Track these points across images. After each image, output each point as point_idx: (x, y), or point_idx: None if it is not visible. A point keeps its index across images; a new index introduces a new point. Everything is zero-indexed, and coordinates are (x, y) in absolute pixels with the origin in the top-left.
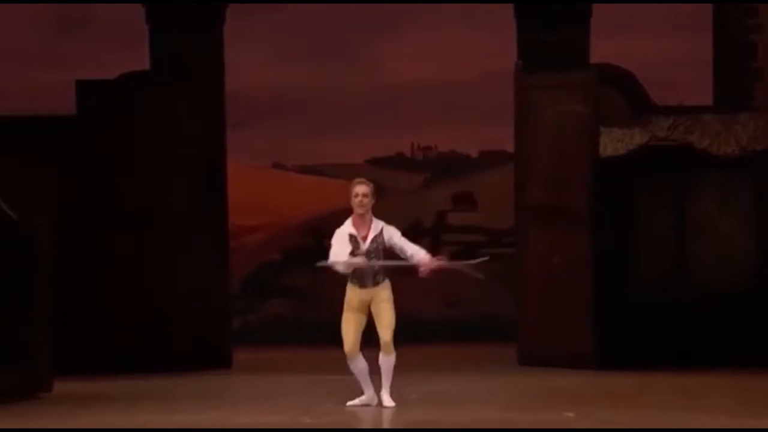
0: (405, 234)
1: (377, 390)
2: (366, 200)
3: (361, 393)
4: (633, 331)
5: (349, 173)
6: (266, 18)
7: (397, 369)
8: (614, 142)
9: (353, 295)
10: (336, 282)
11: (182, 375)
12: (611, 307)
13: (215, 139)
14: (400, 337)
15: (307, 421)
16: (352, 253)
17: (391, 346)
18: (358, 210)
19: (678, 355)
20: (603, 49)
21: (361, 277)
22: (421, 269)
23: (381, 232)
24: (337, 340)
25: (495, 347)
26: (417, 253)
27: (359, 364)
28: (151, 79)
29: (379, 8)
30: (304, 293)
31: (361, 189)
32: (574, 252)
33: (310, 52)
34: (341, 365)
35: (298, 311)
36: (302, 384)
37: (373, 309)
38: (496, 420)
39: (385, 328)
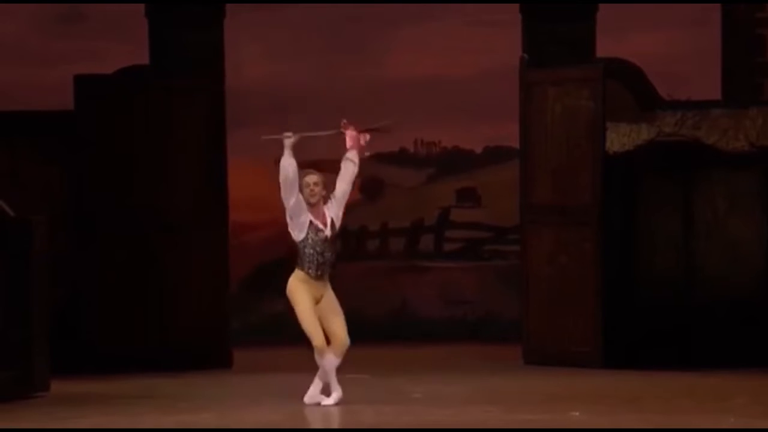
0: (408, 230)
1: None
2: (317, 189)
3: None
4: (639, 330)
5: None
6: (266, 13)
7: (400, 368)
8: (621, 138)
9: (307, 284)
10: (337, 281)
11: (182, 375)
12: (617, 305)
13: (216, 136)
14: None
15: (308, 421)
16: (314, 238)
17: (342, 355)
18: (310, 200)
19: (685, 355)
20: (609, 44)
21: (322, 265)
22: (349, 145)
23: (331, 216)
24: None
25: (500, 346)
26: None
27: (331, 359)
28: (150, 74)
29: (381, 3)
30: None
31: (312, 178)
32: (580, 249)
33: (312, 47)
34: (342, 365)
35: None
36: (303, 384)
37: (323, 304)
38: (500, 420)
39: (343, 328)
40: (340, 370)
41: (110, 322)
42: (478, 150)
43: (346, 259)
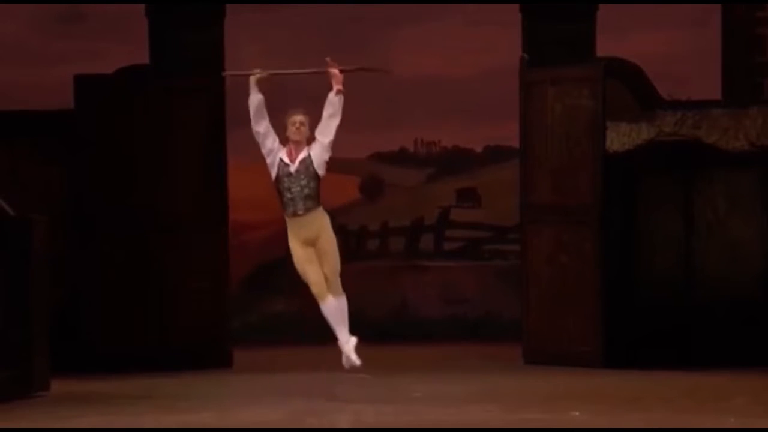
0: (408, 229)
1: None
2: (303, 128)
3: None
4: (640, 330)
5: (351, 169)
6: (267, 13)
7: (401, 367)
8: (621, 137)
9: (294, 229)
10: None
11: (182, 374)
12: (617, 304)
13: (216, 136)
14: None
15: (309, 421)
16: (281, 174)
17: (339, 286)
18: (294, 137)
19: (685, 355)
20: (609, 44)
21: (292, 201)
22: (335, 85)
23: (309, 153)
24: (336, 338)
25: (500, 346)
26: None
27: (332, 303)
28: (150, 74)
29: (381, 3)
30: (305, 291)
31: (297, 117)
32: (580, 249)
33: (312, 47)
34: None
35: (299, 309)
36: (304, 383)
37: (317, 246)
38: (500, 419)
39: (333, 276)
40: (342, 368)
41: (110, 322)
42: (478, 149)
43: (346, 258)
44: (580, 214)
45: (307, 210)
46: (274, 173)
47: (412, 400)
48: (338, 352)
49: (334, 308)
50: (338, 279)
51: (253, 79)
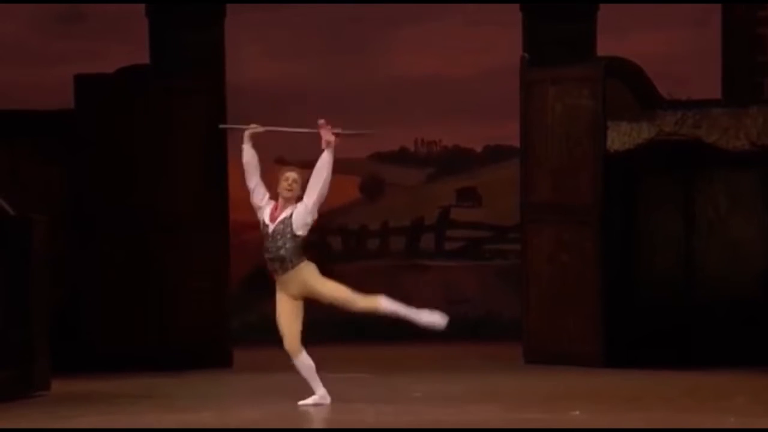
0: (409, 229)
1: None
2: (296, 186)
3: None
4: (640, 330)
5: (351, 168)
6: (267, 13)
7: (401, 367)
8: (621, 137)
9: (278, 284)
10: (337, 280)
11: (182, 374)
12: (618, 304)
13: (216, 136)
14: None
15: (309, 421)
16: (263, 233)
17: (365, 297)
18: (284, 194)
19: (685, 355)
20: (610, 43)
21: (271, 261)
22: (324, 140)
23: (292, 213)
24: (338, 338)
25: (500, 345)
26: (318, 166)
27: (305, 361)
28: (150, 73)
29: (381, 3)
30: None
31: (290, 174)
32: (580, 248)
33: (313, 47)
34: (343, 364)
35: None
36: (303, 383)
37: (312, 296)
38: (500, 419)
39: (346, 298)
40: (343, 369)
41: (110, 322)
42: (479, 149)
43: (347, 258)
44: (581, 213)
45: (284, 271)
46: (261, 229)
47: (413, 399)
48: (335, 354)
49: (307, 366)
50: (357, 294)
51: (247, 133)
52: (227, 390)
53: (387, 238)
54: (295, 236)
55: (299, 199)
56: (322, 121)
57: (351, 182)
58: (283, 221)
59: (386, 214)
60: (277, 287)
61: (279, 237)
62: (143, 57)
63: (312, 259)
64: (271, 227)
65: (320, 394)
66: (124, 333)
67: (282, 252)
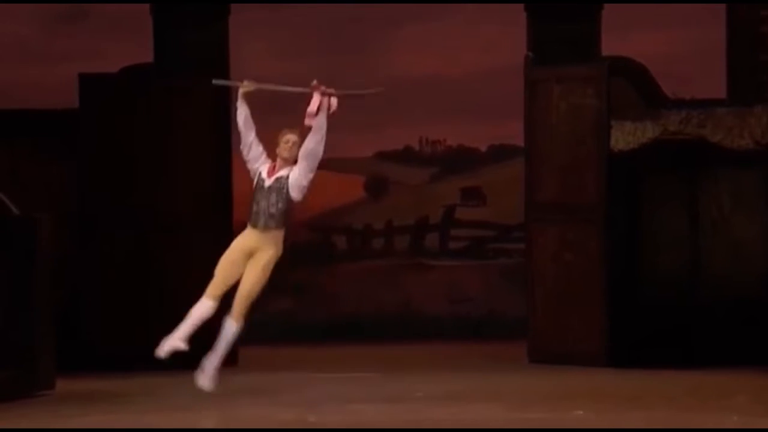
0: (413, 228)
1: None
2: (295, 148)
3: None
4: (644, 329)
5: (356, 167)
6: (268, 13)
7: (405, 367)
8: (626, 136)
9: (245, 235)
10: (342, 279)
11: (185, 372)
12: (622, 303)
13: (218, 135)
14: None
15: (311, 420)
16: (256, 186)
17: (242, 313)
18: (283, 154)
19: (689, 354)
20: (614, 43)
21: (256, 214)
22: (310, 110)
23: (288, 174)
24: (340, 337)
25: (504, 344)
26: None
27: (203, 308)
28: (154, 72)
29: (383, 3)
30: (310, 290)
31: (292, 137)
32: (585, 247)
33: (314, 47)
34: (346, 363)
35: (303, 308)
36: (307, 381)
37: (254, 257)
38: (504, 418)
39: (244, 297)
40: (345, 368)
41: (111, 322)
42: (483, 148)
43: (351, 257)
44: (585, 212)
45: (266, 228)
46: (253, 183)
47: (415, 398)
48: (338, 353)
49: (199, 314)
50: (246, 305)
51: (240, 91)
52: (231, 388)
53: (391, 238)
54: (288, 197)
55: (296, 162)
56: (315, 82)
57: (355, 181)
58: (279, 179)
59: (390, 214)
60: (241, 235)
61: (274, 193)
62: (146, 56)
63: (315, 259)
64: (267, 182)
65: (178, 337)
66: (125, 333)
67: (272, 209)
